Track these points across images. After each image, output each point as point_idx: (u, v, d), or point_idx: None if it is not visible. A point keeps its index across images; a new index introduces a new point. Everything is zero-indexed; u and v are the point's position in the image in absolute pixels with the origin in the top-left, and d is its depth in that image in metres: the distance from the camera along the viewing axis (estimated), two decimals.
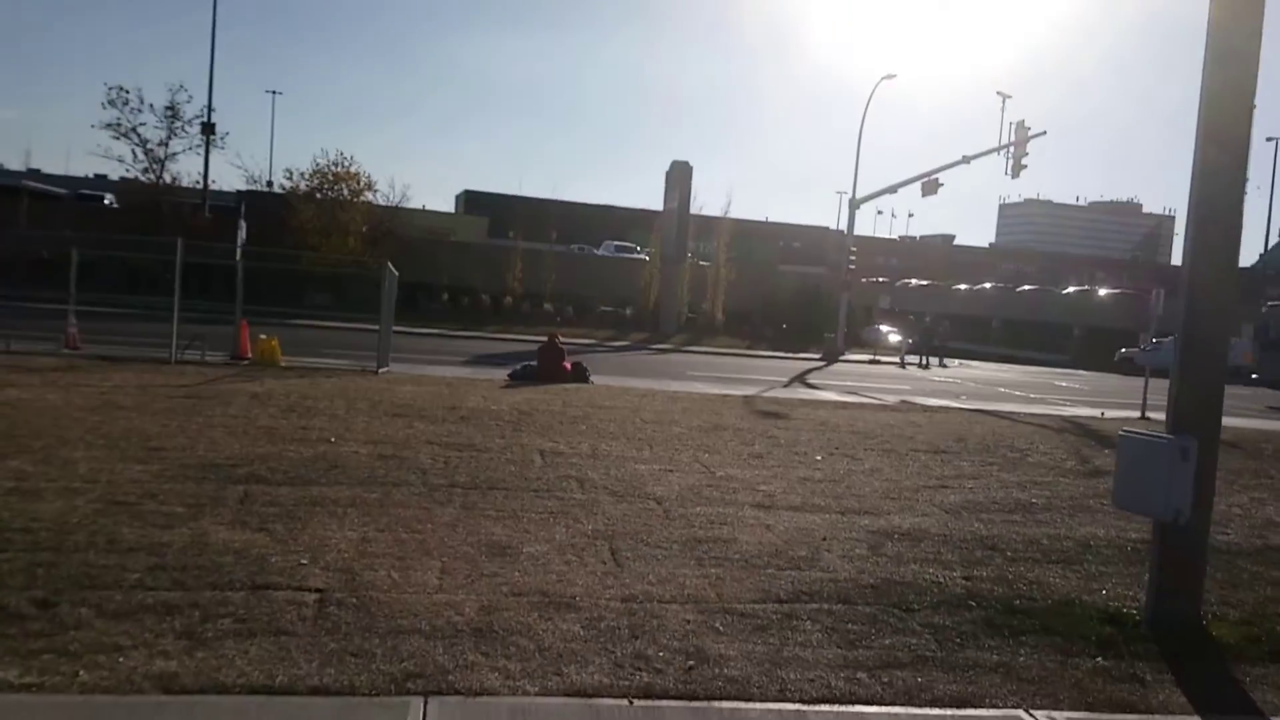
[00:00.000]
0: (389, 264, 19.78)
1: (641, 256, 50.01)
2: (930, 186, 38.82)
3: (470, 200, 78.66)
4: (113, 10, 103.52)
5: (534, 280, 45.13)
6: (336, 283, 37.34)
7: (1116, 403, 24.27)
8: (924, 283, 67.91)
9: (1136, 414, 20.14)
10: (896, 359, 37.87)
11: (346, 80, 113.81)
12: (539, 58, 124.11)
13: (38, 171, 60.23)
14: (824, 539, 7.83)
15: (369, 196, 42.28)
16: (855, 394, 22.12)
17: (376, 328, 19.65)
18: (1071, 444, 14.95)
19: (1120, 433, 6.70)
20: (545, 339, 20.37)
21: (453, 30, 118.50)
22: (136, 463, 8.56)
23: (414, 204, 50.00)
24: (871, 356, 39.15)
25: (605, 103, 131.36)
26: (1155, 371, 39.93)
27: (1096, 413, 20.73)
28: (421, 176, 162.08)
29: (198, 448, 9.44)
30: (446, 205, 76.71)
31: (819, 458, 11.84)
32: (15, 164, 63.43)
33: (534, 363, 19.69)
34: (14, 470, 7.86)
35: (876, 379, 29.16)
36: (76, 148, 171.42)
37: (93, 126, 39.80)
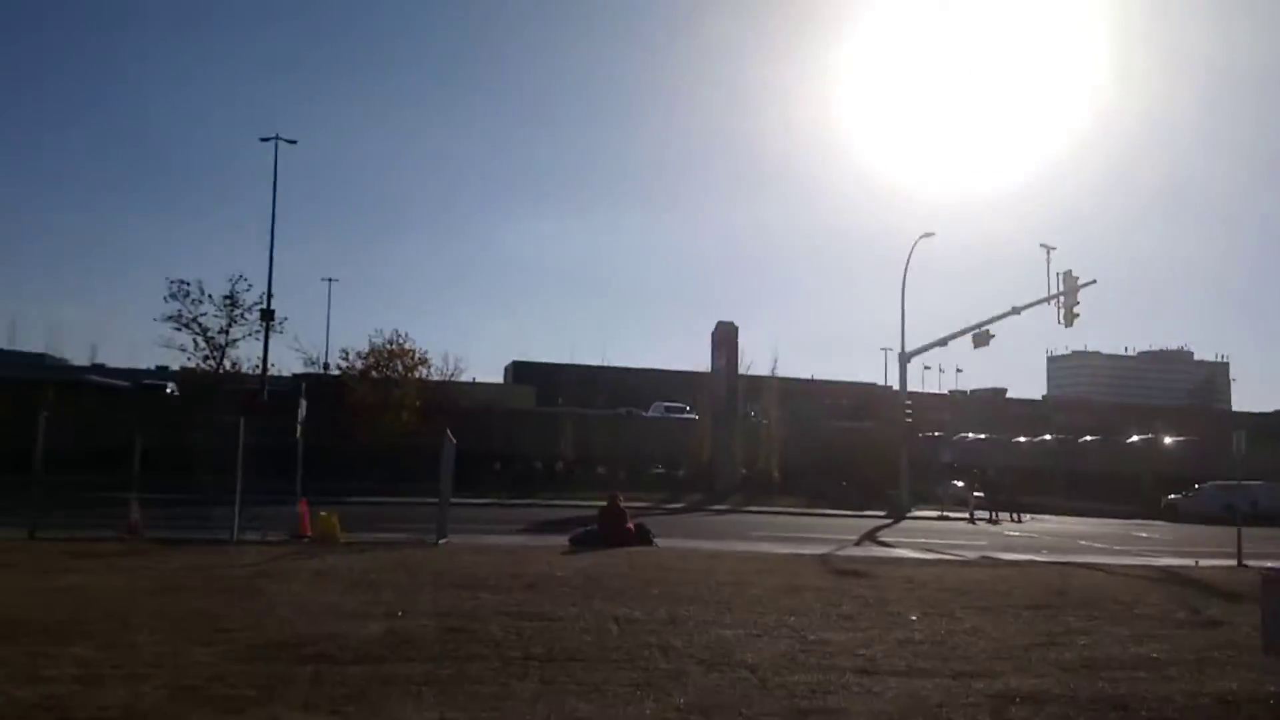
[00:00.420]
0: (449, 434, 19.71)
1: (691, 416, 49.89)
2: (981, 338, 38.57)
3: (518, 370, 79.87)
4: (174, 208, 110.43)
5: (584, 445, 45.04)
6: (392, 458, 37.44)
7: (1205, 551, 22.96)
8: (981, 436, 66.63)
9: (1232, 562, 18.99)
10: (965, 514, 36.63)
11: (398, 261, 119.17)
12: (578, 235, 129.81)
13: (102, 366, 62.28)
14: (939, 705, 7.15)
15: (422, 372, 42.99)
16: (932, 550, 21.23)
17: (431, 500, 19.44)
18: (1176, 594, 14.00)
19: (1263, 577, 6.12)
20: (606, 502, 19.96)
21: (498, 213, 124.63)
22: (202, 645, 8.19)
23: (464, 377, 50.85)
24: (940, 512, 37.92)
25: (647, 272, 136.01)
26: (1201, 517, 38.91)
27: (1189, 562, 19.58)
28: (471, 350, 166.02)
29: (264, 627, 9.07)
30: (496, 376, 77.87)
31: (914, 617, 11.11)
32: (81, 359, 65.72)
33: (594, 527, 19.22)
34: (78, 657, 7.53)
35: (949, 535, 28.09)
36: (140, 340, 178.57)
37: (155, 320, 41.41)
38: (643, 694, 7.19)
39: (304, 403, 21.10)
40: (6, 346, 58.82)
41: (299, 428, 20.42)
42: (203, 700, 6.50)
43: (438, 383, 44.44)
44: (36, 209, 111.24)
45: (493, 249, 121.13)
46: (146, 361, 60.48)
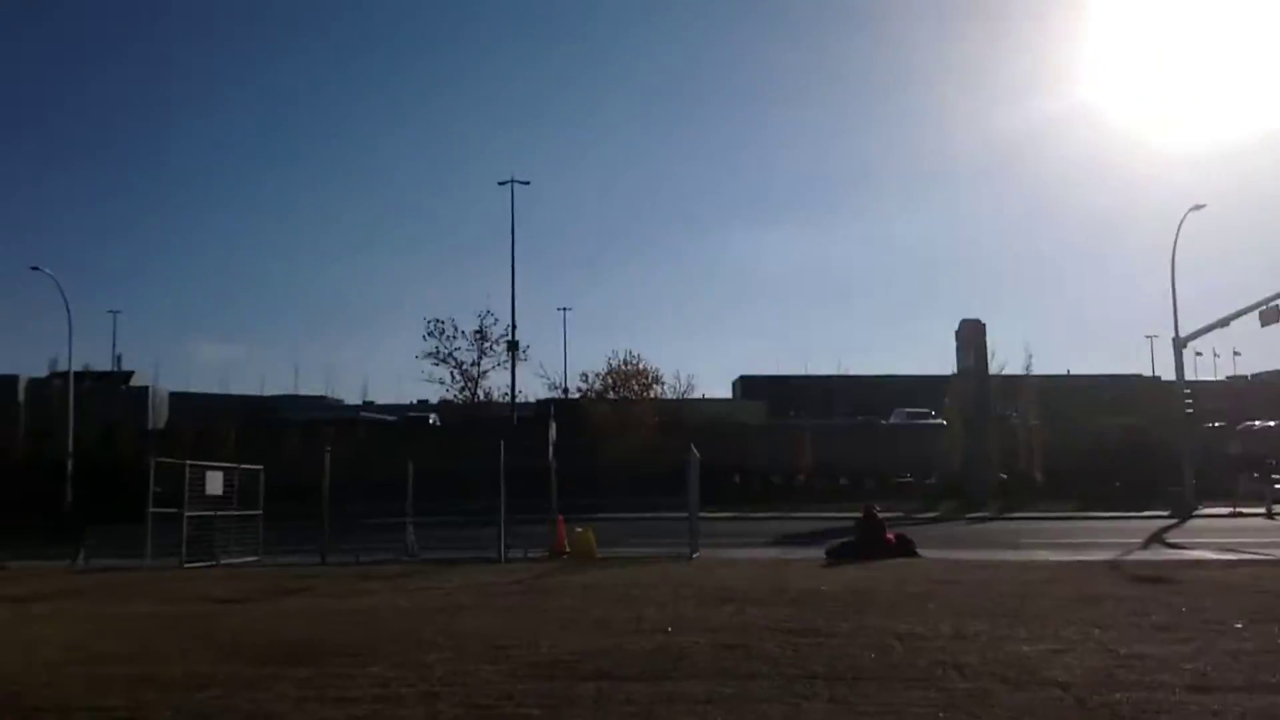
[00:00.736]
0: (693, 449, 19.64)
1: (938, 422, 47.62)
2: (1271, 314, 34.25)
3: (747, 385, 79.62)
4: (423, 251, 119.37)
5: (823, 456, 44.03)
6: (633, 474, 38.12)
7: None
8: (1271, 423, 59.49)
9: None
10: (1262, 509, 32.60)
11: (627, 284, 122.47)
12: (806, 243, 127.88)
13: (371, 403, 67.83)
14: None
15: (657, 390, 43.66)
16: (1234, 550, 18.89)
17: (671, 515, 19.46)
18: None
19: None
20: (860, 513, 19.16)
21: (724, 226, 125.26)
22: (487, 663, 8.33)
23: (695, 393, 51.32)
24: (1232, 508, 33.96)
25: (880, 276, 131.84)
26: None
27: None
28: (700, 367, 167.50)
29: (540, 644, 9.14)
30: (724, 392, 77.98)
31: (1239, 625, 9.71)
32: (354, 398, 71.92)
33: (851, 539, 18.48)
34: (376, 677, 7.82)
35: (1248, 532, 25.01)
36: (405, 376, 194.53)
37: (416, 357, 44.85)
38: (947, 716, 6.56)
39: (553, 425, 21.79)
40: (292, 391, 65.14)
41: (550, 449, 21.07)
42: (495, 719, 6.52)
43: (671, 400, 45.02)
44: (308, 262, 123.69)
45: (719, 263, 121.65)
46: (409, 396, 65.52)
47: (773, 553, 19.34)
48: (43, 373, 56.51)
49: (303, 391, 66.39)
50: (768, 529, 27.37)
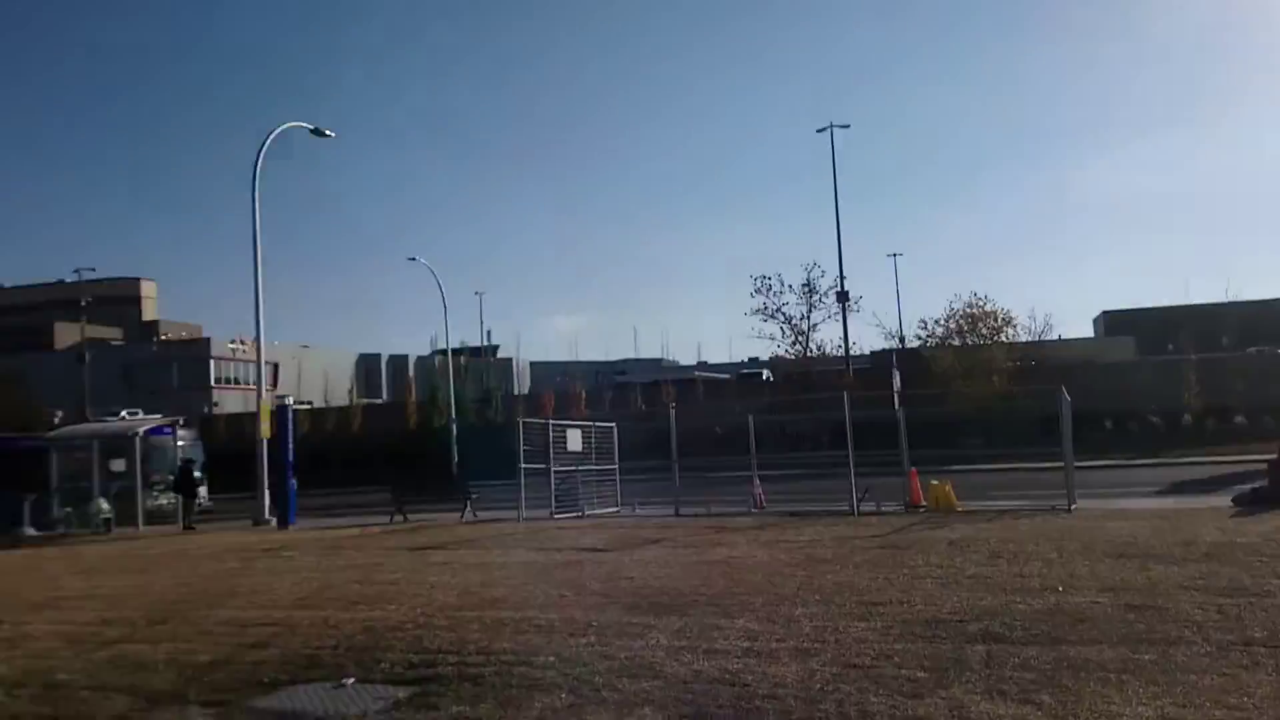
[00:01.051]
0: (1064, 392, 17.75)
1: None
2: None
3: (1111, 321, 72.03)
4: (745, 205, 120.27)
5: (1212, 394, 38.66)
6: (984, 423, 35.69)
7: None
8: None
9: None
10: None
11: (964, 224, 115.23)
12: (1165, 164, 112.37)
13: (704, 363, 69.76)
14: None
15: (1008, 333, 40.49)
16: None
17: (1034, 465, 17.71)
18: None
19: None
20: (1276, 454, 16.37)
21: (1076, 147, 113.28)
22: (858, 619, 7.85)
23: (1051, 335, 47.00)
24: None
25: (1259, 192, 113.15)
26: None
27: None
28: (1056, 305, 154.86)
29: (914, 602, 8.51)
30: (1084, 331, 71.13)
31: None
32: (687, 359, 74.42)
33: (1263, 484, 15.86)
34: (744, 629, 7.62)
35: None
36: (735, 335, 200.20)
37: (745, 314, 45.27)
38: None
39: (897, 374, 20.77)
40: (632, 356, 68.60)
41: (895, 398, 20.10)
42: (874, 680, 6.03)
43: (1026, 343, 41.59)
44: (641, 233, 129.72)
45: (1071, 189, 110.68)
46: (740, 354, 66.56)
47: (1167, 502, 17.11)
48: (426, 351, 63.88)
49: (643, 355, 69.60)
50: (1150, 476, 24.41)
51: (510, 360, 70.08)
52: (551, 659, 6.87)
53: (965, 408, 34.60)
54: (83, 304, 59.97)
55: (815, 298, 44.84)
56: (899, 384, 20.53)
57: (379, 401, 68.32)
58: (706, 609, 8.49)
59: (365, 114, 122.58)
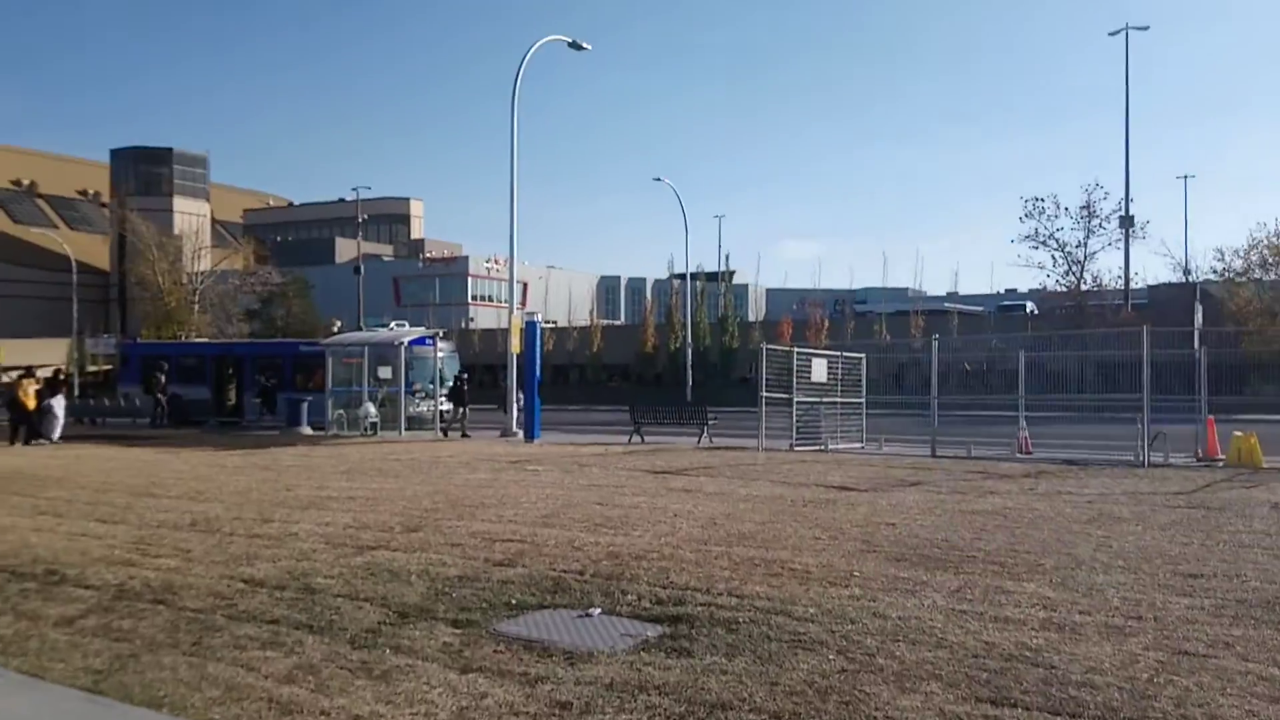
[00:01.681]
0: None
1: None
2: None
3: None
4: (1020, 125, 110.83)
5: None
6: None
7: None
8: None
9: None
10: None
11: (1268, 139, 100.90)
12: None
13: (955, 294, 65.69)
14: None
15: None
16: None
17: None
18: None
19: None
20: None
21: None
22: (1176, 594, 6.59)
23: None
24: None
25: None
26: None
27: None
28: None
29: (1244, 575, 7.10)
30: None
31: None
32: (940, 289, 70.36)
33: None
34: (1038, 596, 6.55)
35: None
36: (997, 263, 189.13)
37: (1011, 241, 41.70)
38: None
39: (1199, 308, 18.15)
40: (879, 284, 65.74)
41: (1196, 336, 17.59)
42: (1215, 674, 4.87)
43: None
44: (892, 151, 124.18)
45: None
46: (1000, 285, 61.92)
47: None
48: (663, 274, 64.16)
49: (890, 284, 66.57)
50: None
51: (746, 286, 69.16)
52: (812, 610, 6.16)
53: (1262, 350, 30.33)
54: (359, 221, 64.63)
55: (1095, 222, 40.61)
56: (1200, 321, 17.92)
57: (617, 323, 69.77)
58: (986, 567, 7.47)
59: (615, 35, 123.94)
